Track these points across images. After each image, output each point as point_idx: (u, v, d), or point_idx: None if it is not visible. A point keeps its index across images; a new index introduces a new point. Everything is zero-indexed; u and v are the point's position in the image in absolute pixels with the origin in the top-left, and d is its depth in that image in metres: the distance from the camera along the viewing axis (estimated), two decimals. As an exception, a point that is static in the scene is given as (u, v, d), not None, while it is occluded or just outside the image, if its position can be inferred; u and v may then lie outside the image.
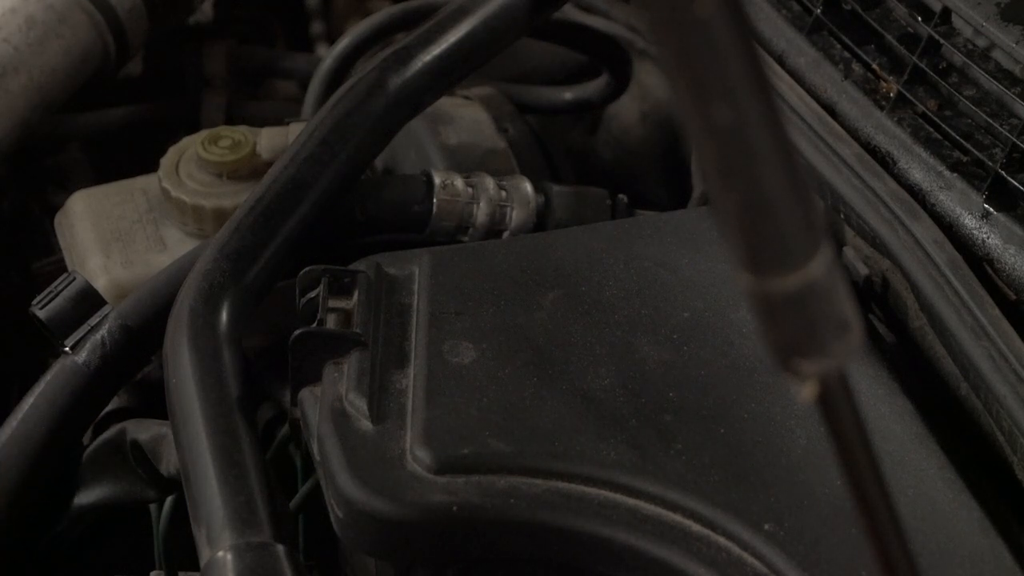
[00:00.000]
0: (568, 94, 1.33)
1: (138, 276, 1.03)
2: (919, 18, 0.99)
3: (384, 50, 1.06)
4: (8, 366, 1.25)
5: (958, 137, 0.94)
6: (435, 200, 1.03)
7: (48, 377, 0.97)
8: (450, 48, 1.03)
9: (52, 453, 0.97)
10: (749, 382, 0.85)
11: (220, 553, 0.77)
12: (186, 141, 1.11)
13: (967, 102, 0.94)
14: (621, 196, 1.09)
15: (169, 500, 1.02)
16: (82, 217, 1.09)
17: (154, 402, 0.97)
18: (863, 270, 0.94)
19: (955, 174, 0.93)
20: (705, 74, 0.42)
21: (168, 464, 0.97)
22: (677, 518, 0.77)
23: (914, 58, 0.97)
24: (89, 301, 0.98)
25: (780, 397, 0.83)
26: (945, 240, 0.90)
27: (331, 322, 0.87)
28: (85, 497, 1.00)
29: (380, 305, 0.88)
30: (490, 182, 1.05)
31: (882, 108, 0.99)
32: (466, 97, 1.26)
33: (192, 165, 1.08)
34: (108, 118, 1.40)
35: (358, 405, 0.81)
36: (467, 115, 1.23)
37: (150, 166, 1.12)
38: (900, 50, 0.99)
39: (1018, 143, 0.90)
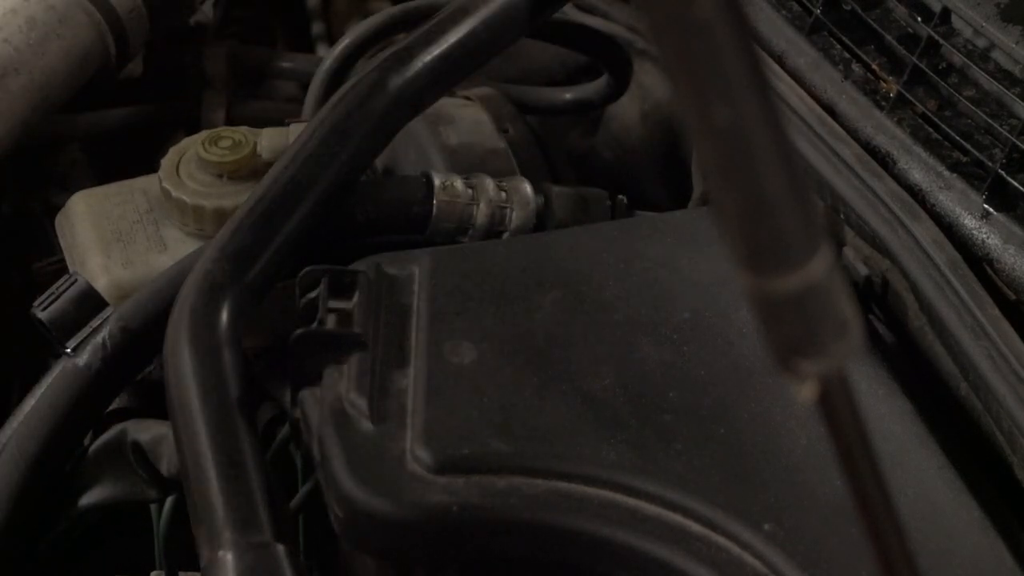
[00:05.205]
0: (568, 94, 1.33)
1: (138, 276, 1.03)
2: (919, 18, 0.99)
3: (384, 50, 1.06)
4: (8, 367, 1.25)
5: (958, 137, 0.94)
6: (435, 201, 1.03)
7: (49, 379, 0.97)
8: (450, 48, 1.03)
9: (52, 455, 0.97)
10: (749, 382, 0.85)
11: (220, 553, 0.77)
12: (186, 141, 1.11)
13: (967, 102, 0.94)
14: (621, 197, 1.09)
15: (169, 500, 1.02)
16: (82, 217, 1.09)
17: (154, 402, 0.97)
18: (863, 270, 0.94)
19: (955, 174, 0.93)
20: (705, 75, 0.42)
21: (168, 464, 0.97)
22: (677, 518, 0.77)
23: (914, 58, 0.97)
24: (90, 303, 0.98)
25: (780, 397, 0.83)
26: (945, 240, 0.90)
27: (331, 322, 0.87)
28: (86, 497, 1.00)
29: (380, 305, 0.88)
30: (490, 183, 1.05)
31: (882, 108, 0.99)
32: (466, 97, 1.26)
33: (192, 165, 1.08)
34: (108, 118, 1.40)
35: (358, 405, 0.82)
36: (467, 115, 1.23)
37: (150, 166, 1.11)
38: (900, 50, 0.99)
39: (1018, 143, 0.90)
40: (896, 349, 0.91)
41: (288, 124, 1.10)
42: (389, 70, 1.02)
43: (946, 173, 0.93)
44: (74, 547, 1.04)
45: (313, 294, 0.88)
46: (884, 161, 0.97)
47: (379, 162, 1.16)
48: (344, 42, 1.23)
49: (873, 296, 0.93)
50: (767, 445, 0.81)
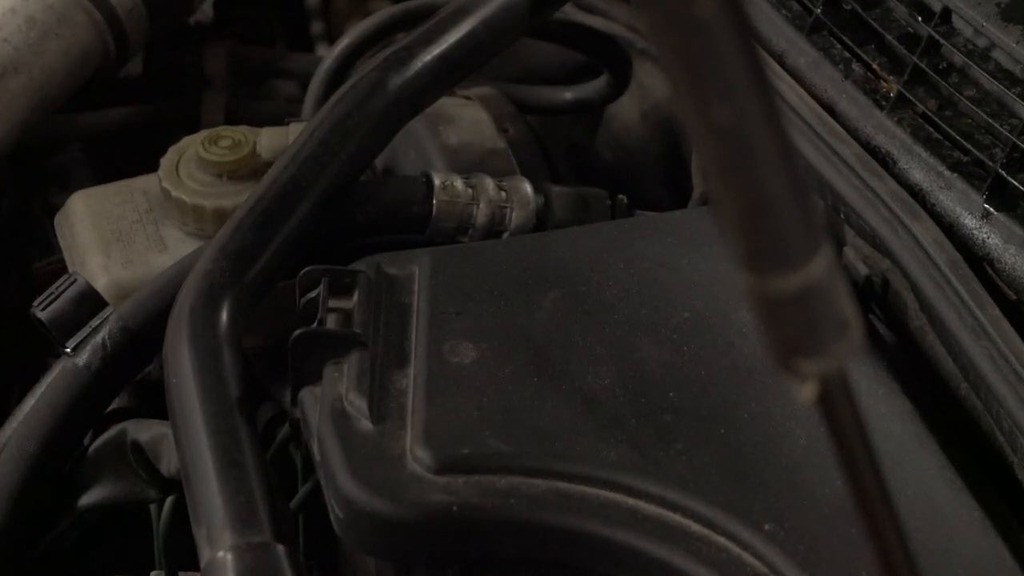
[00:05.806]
0: (568, 94, 1.33)
1: (138, 276, 1.03)
2: (919, 18, 0.99)
3: (384, 50, 1.06)
4: (8, 366, 1.25)
5: (958, 137, 0.94)
6: (435, 201, 1.03)
7: (49, 379, 0.97)
8: (450, 48, 1.03)
9: (52, 455, 0.97)
10: (749, 382, 0.85)
11: (220, 553, 0.77)
12: (186, 141, 1.11)
13: (967, 102, 0.94)
14: (621, 197, 1.09)
15: (169, 500, 1.02)
16: (82, 217, 1.09)
17: (154, 402, 0.97)
18: (863, 270, 0.94)
19: (955, 174, 0.93)
20: (705, 74, 0.42)
21: (168, 464, 0.97)
22: (677, 518, 0.77)
23: (914, 58, 0.97)
24: (90, 303, 0.98)
25: (780, 397, 0.83)
26: (945, 240, 0.90)
27: (331, 322, 0.87)
28: (85, 497, 1.00)
29: (380, 305, 0.88)
30: (490, 183, 1.05)
31: (882, 108, 0.99)
32: (466, 97, 1.26)
33: (192, 165, 1.08)
34: (108, 118, 1.40)
35: (358, 405, 0.82)
36: (467, 115, 1.23)
37: (150, 166, 1.11)
38: (900, 50, 0.99)
39: (1018, 143, 0.90)
40: (896, 349, 0.91)
41: (288, 124, 1.11)
42: (389, 70, 1.02)
43: (946, 173, 0.93)
44: (74, 547, 1.04)
45: (313, 294, 0.88)
46: (884, 161, 0.97)
47: (379, 162, 1.17)
48: (344, 42, 1.23)
49: (873, 296, 0.93)
50: (767, 445, 0.81)
